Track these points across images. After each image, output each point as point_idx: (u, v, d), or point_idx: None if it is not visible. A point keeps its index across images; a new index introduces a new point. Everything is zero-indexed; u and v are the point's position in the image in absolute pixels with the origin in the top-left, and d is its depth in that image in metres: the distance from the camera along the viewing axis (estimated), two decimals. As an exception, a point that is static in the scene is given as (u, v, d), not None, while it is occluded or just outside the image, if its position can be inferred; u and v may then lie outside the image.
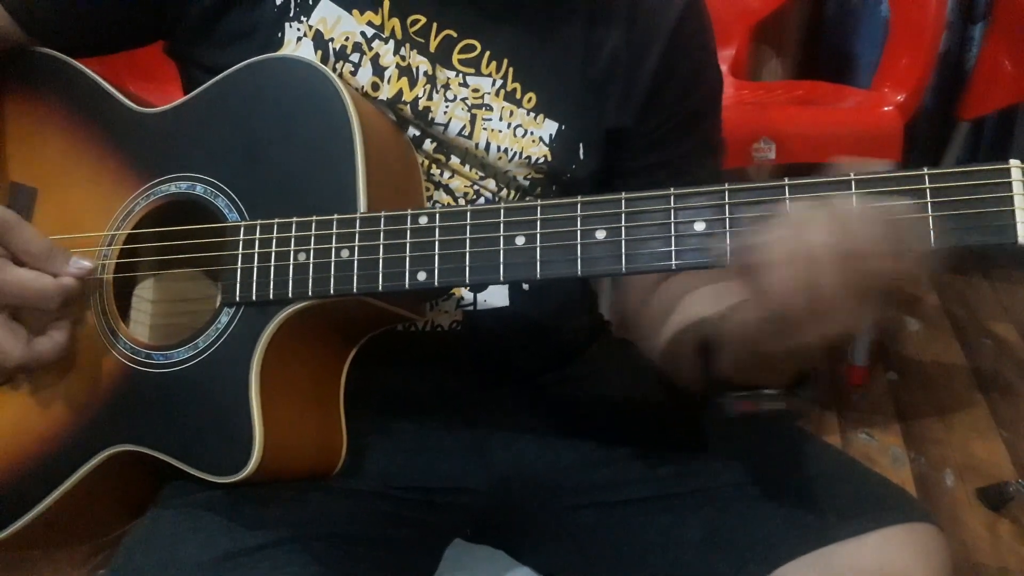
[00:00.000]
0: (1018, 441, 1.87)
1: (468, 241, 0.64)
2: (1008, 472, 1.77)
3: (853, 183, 0.55)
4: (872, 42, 2.54)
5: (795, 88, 2.26)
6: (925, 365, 2.20)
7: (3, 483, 0.76)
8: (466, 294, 0.82)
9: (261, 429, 0.67)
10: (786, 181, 0.55)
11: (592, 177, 0.84)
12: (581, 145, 0.83)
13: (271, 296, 0.68)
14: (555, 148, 0.82)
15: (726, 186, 0.57)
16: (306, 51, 0.77)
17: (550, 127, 0.82)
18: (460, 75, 0.80)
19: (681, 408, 0.86)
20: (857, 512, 0.72)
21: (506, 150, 0.81)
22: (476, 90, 0.81)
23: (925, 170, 0.53)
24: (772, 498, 0.75)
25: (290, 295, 0.68)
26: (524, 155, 0.81)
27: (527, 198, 0.84)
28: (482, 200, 0.82)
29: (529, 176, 0.83)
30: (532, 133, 0.81)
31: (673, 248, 0.58)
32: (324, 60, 0.77)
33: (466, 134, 0.80)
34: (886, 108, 1.90)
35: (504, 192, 0.83)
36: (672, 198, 0.58)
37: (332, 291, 0.67)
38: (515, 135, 0.81)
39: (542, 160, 0.82)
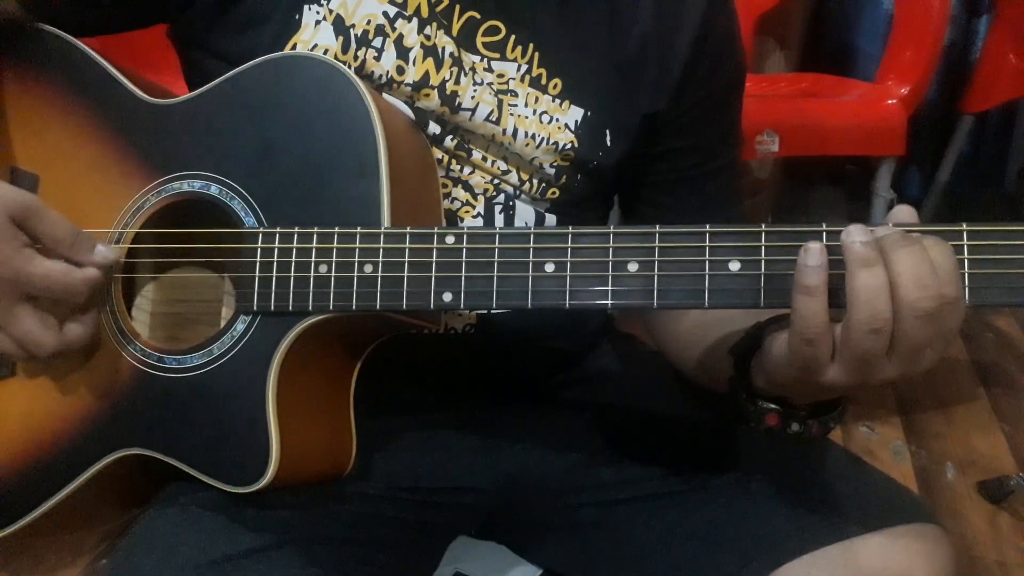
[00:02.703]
0: (1019, 435, 1.88)
1: (496, 264, 0.63)
2: (1009, 466, 1.78)
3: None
4: (876, 35, 2.53)
5: (799, 81, 2.27)
6: (926, 359, 2.20)
7: (10, 481, 0.75)
8: None
9: (278, 441, 0.67)
10: (824, 227, 0.55)
11: (619, 164, 0.83)
12: (608, 132, 0.82)
13: (290, 308, 0.68)
14: (581, 134, 0.81)
15: (763, 227, 0.56)
16: (325, 35, 0.75)
17: (575, 113, 0.81)
18: (485, 60, 0.79)
19: (696, 409, 0.86)
20: (861, 511, 0.72)
21: (533, 135, 0.80)
22: (501, 75, 0.80)
23: (964, 226, 0.53)
24: (776, 496, 0.76)
25: (310, 307, 0.67)
26: (551, 141, 0.80)
27: (551, 190, 0.83)
28: (502, 196, 0.82)
29: (555, 163, 0.81)
30: (557, 120, 0.80)
31: (707, 287, 0.57)
32: (346, 47, 0.75)
33: (494, 119, 0.79)
34: (890, 101, 1.92)
35: (527, 185, 0.82)
36: (707, 236, 0.58)
37: (354, 307, 0.66)
38: (541, 121, 0.80)
39: (568, 146, 0.81)
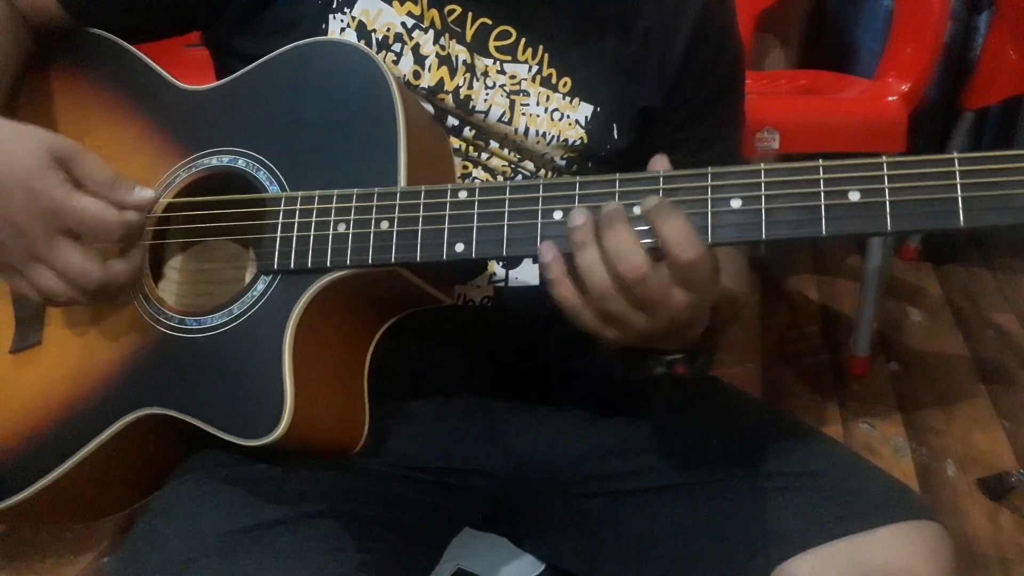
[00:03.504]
0: (1019, 431, 1.87)
1: (507, 214, 0.65)
2: (1009, 462, 1.77)
3: (885, 165, 0.57)
4: (876, 31, 2.54)
5: (799, 77, 2.27)
6: (927, 355, 2.20)
7: (27, 443, 0.77)
8: (498, 270, 0.84)
9: (292, 394, 0.68)
10: (820, 163, 0.57)
11: (625, 154, 0.86)
12: (615, 126, 0.85)
13: (309, 265, 0.70)
14: (591, 130, 0.84)
15: (762, 166, 0.59)
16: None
17: (585, 110, 0.84)
18: (497, 63, 0.83)
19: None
20: (865, 508, 0.73)
21: (544, 134, 0.83)
22: (513, 76, 0.83)
23: (955, 154, 0.55)
24: (781, 492, 0.77)
25: (328, 264, 0.69)
26: (561, 138, 0.83)
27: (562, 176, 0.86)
28: (519, 177, 0.84)
29: (565, 156, 0.85)
30: (568, 116, 0.84)
31: (710, 224, 0.59)
32: None
33: (506, 120, 0.82)
34: (890, 98, 1.90)
35: (541, 172, 0.85)
36: (709, 176, 0.60)
37: (370, 260, 0.68)
38: (552, 119, 0.83)
39: (578, 142, 0.84)
